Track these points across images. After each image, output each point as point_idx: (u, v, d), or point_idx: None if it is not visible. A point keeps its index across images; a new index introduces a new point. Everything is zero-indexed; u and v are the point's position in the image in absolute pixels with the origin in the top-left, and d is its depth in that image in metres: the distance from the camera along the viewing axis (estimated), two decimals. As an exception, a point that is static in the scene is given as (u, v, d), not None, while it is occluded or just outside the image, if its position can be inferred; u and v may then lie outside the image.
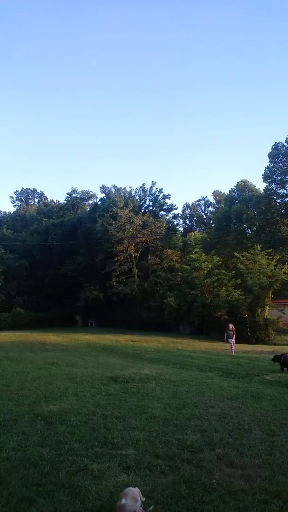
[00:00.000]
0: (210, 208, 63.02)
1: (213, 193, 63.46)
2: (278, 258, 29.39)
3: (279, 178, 40.23)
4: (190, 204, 65.15)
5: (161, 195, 44.97)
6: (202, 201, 64.20)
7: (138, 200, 45.12)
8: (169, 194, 45.21)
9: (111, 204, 42.53)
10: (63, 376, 11.04)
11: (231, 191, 48.40)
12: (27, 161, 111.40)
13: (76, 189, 60.78)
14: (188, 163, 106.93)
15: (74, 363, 14.19)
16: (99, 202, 50.15)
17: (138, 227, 39.30)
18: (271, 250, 31.15)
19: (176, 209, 46.73)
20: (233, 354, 18.13)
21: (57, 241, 45.51)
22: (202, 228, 57.55)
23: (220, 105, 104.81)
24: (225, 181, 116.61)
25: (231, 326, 20.25)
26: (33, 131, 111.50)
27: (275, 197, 40.55)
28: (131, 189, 47.28)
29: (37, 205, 69.80)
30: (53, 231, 48.01)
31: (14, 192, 75.49)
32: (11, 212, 68.23)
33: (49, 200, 72.09)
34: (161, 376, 11.49)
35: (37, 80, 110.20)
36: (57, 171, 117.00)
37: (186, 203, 66.55)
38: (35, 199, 75.95)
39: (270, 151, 41.19)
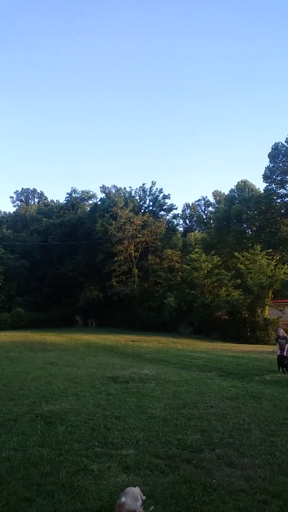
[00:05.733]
0: (210, 208, 63.06)
1: (213, 193, 63.57)
2: (278, 258, 29.43)
3: (279, 178, 40.29)
4: (190, 204, 65.21)
5: (161, 195, 44.97)
6: (202, 201, 64.27)
7: (138, 200, 45.09)
8: (169, 194, 45.23)
9: (111, 204, 42.51)
10: (63, 376, 11.04)
11: (231, 191, 48.45)
12: (27, 161, 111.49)
13: (76, 189, 60.86)
14: (188, 163, 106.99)
15: (74, 363, 14.19)
16: (99, 202, 50.14)
17: (138, 227, 39.28)
18: (271, 250, 31.17)
19: (176, 209, 46.76)
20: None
21: (57, 241, 45.48)
22: (202, 228, 57.57)
23: (220, 105, 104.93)
24: (225, 181, 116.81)
25: (281, 332, 14.07)
26: (33, 131, 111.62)
27: (275, 197, 40.60)
28: (131, 189, 47.33)
29: (37, 205, 69.78)
30: (53, 231, 47.98)
31: (14, 192, 75.57)
32: (11, 212, 68.27)
33: (49, 200, 72.09)
34: (161, 376, 11.49)
35: (37, 80, 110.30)
36: (57, 171, 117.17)
37: (186, 203, 66.66)
38: (35, 199, 75.92)
39: (270, 151, 41.25)
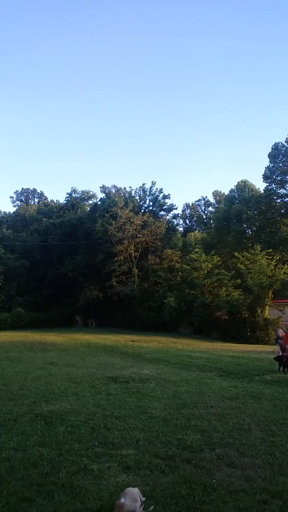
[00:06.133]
0: (210, 208, 63.07)
1: (213, 193, 63.59)
2: (278, 258, 29.44)
3: (279, 178, 40.31)
4: (190, 204, 65.21)
5: (161, 195, 44.95)
6: (202, 201, 64.29)
7: (138, 200, 45.07)
8: (169, 194, 45.19)
9: (111, 204, 42.50)
10: (63, 376, 11.04)
11: (231, 191, 48.48)
12: (27, 161, 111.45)
13: (76, 189, 60.79)
14: (188, 163, 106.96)
15: (74, 363, 14.19)
16: (99, 202, 50.14)
17: (138, 227, 39.27)
18: (271, 250, 31.17)
19: (176, 209, 46.72)
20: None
21: (57, 241, 45.47)
22: (202, 228, 57.56)
23: (220, 105, 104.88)
24: (225, 181, 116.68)
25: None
26: (33, 131, 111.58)
27: (275, 197, 40.63)
28: (131, 189, 47.29)
29: (37, 205, 69.79)
30: (53, 231, 47.99)
31: (14, 192, 75.59)
32: (11, 212, 68.27)
33: (49, 200, 72.09)
34: (161, 376, 11.49)
35: (37, 80, 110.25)
36: (57, 171, 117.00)
37: (186, 203, 66.64)
38: (35, 199, 75.94)
39: (270, 151, 41.27)
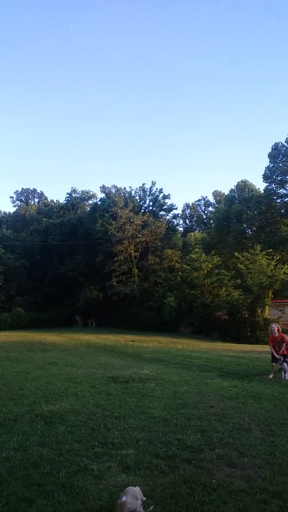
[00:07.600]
0: (210, 208, 63.16)
1: (213, 193, 63.69)
2: (278, 258, 29.44)
3: (279, 178, 40.34)
4: (190, 204, 65.28)
5: (161, 195, 44.93)
6: (202, 201, 64.37)
7: (138, 200, 45.05)
8: (169, 194, 45.15)
9: (111, 204, 42.49)
10: (63, 376, 11.03)
11: (231, 191, 48.55)
12: (27, 161, 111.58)
13: (76, 189, 60.80)
14: (188, 163, 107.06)
15: (74, 363, 14.18)
16: (99, 202, 50.13)
17: (138, 227, 39.26)
18: (271, 250, 31.18)
19: (176, 209, 46.66)
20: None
21: (57, 241, 45.46)
22: (202, 228, 57.61)
23: (220, 105, 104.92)
24: (225, 181, 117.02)
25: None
26: (33, 131, 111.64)
27: (275, 197, 40.67)
28: (131, 189, 47.26)
29: (37, 205, 69.85)
30: (53, 231, 47.99)
31: (14, 192, 75.66)
32: (11, 212, 68.32)
33: (49, 200, 72.14)
34: (161, 376, 11.48)
35: (37, 80, 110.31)
36: (57, 171, 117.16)
37: (186, 203, 66.72)
38: (35, 199, 75.99)
39: (270, 151, 41.29)
